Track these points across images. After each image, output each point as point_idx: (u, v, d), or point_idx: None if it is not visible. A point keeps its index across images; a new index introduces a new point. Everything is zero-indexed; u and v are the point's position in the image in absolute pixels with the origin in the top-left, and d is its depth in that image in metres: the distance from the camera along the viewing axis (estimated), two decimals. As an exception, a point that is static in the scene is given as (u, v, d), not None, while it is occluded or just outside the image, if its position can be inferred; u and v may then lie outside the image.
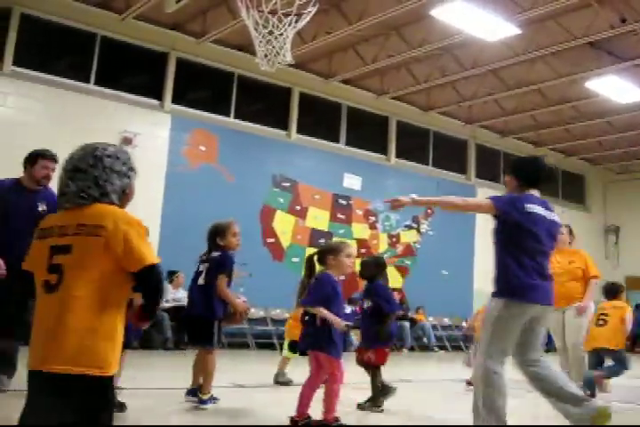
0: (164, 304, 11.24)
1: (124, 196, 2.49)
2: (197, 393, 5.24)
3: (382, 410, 5.59)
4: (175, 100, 13.49)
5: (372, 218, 16.01)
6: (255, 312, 12.64)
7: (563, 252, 7.29)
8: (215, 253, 5.41)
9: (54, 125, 11.56)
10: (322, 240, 14.45)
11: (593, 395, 6.55)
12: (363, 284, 6.19)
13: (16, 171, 5.63)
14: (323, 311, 4.44)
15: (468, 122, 18.01)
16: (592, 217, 21.61)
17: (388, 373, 6.02)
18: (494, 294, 4.28)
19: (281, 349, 8.00)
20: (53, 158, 5.50)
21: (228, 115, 14.32)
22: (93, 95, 12.37)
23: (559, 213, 4.49)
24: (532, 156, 5.02)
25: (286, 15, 8.16)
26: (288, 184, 14.75)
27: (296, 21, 8.25)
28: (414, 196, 4.26)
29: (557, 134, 18.94)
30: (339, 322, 4.44)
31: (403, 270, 16.43)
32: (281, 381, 6.94)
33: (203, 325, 5.28)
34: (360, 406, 5.66)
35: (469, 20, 11.52)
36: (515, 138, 19.37)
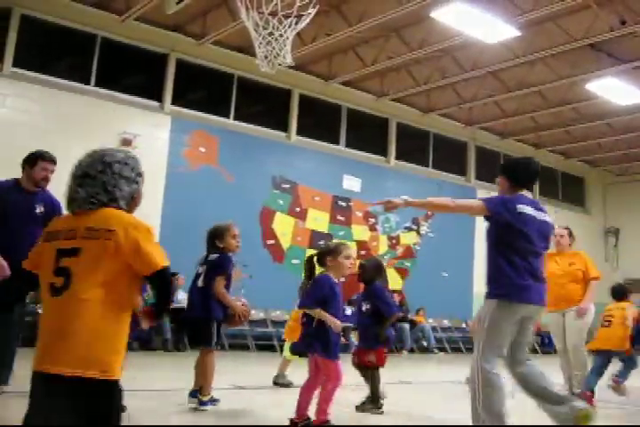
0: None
1: (132, 201, 2.51)
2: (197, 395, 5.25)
3: (382, 411, 5.59)
4: (175, 102, 13.50)
5: (372, 220, 16.01)
6: (255, 314, 12.62)
7: (563, 254, 7.29)
8: (213, 256, 5.41)
9: (54, 127, 11.57)
10: (322, 242, 14.44)
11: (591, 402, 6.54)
12: (362, 285, 6.19)
13: (16, 172, 5.62)
14: (320, 313, 4.44)
15: (468, 124, 18.02)
16: (592, 219, 21.62)
17: (387, 374, 6.01)
18: (487, 296, 4.30)
19: (281, 350, 8.01)
20: (52, 160, 5.49)
21: (227, 116, 14.32)
22: (93, 96, 12.37)
23: (552, 214, 4.49)
24: (524, 157, 5.03)
25: (286, 17, 8.16)
26: (288, 186, 14.75)
27: (296, 23, 8.24)
28: (406, 197, 4.27)
29: (557, 136, 18.96)
30: (336, 323, 4.43)
31: (402, 272, 16.42)
32: (280, 382, 6.93)
33: (201, 326, 5.30)
34: (360, 408, 5.65)
35: (469, 22, 11.53)
36: (515, 140, 19.39)
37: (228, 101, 14.35)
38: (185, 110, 13.70)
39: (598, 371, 6.86)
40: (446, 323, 16.47)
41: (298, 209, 14.85)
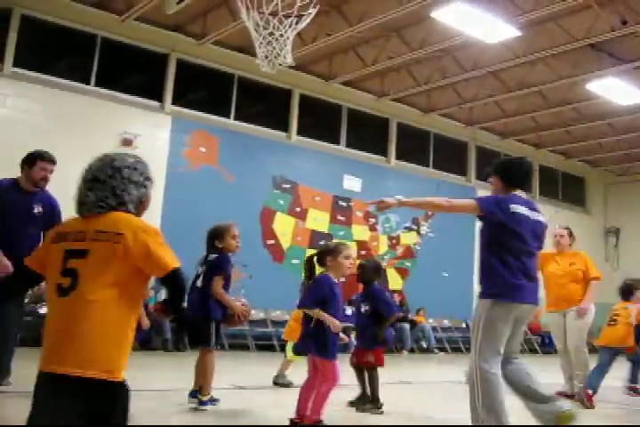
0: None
1: (141, 205, 2.55)
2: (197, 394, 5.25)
3: (382, 411, 5.59)
4: (175, 102, 13.50)
5: (372, 220, 16.01)
6: (255, 314, 12.62)
7: (563, 254, 7.29)
8: (212, 256, 5.41)
9: (54, 127, 11.57)
10: (322, 242, 14.44)
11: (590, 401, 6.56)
12: (361, 286, 6.20)
13: (16, 171, 5.61)
14: (319, 313, 4.43)
15: (469, 124, 18.01)
16: (592, 219, 21.61)
17: (387, 374, 6.01)
18: (481, 295, 4.30)
19: (281, 350, 8.00)
20: (52, 160, 5.48)
21: (228, 116, 14.32)
22: (94, 96, 12.37)
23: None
24: (517, 157, 5.05)
25: (287, 17, 8.16)
26: (288, 186, 14.75)
27: (296, 23, 8.24)
28: (400, 197, 4.29)
29: (558, 136, 18.96)
30: (335, 323, 4.43)
31: (403, 272, 16.42)
32: (280, 382, 6.93)
33: (200, 326, 5.31)
34: (360, 408, 5.65)
35: (470, 22, 11.52)
36: (515, 140, 19.38)
37: (228, 101, 14.35)
38: (185, 110, 13.70)
39: (603, 368, 6.87)
40: (446, 323, 16.47)
41: (298, 209, 14.85)
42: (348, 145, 16.24)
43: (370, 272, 6.03)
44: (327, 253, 4.65)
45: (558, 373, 7.37)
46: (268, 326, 13.30)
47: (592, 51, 13.31)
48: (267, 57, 8.54)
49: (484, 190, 17.22)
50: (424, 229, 16.91)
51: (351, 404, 5.81)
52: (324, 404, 4.47)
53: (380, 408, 5.62)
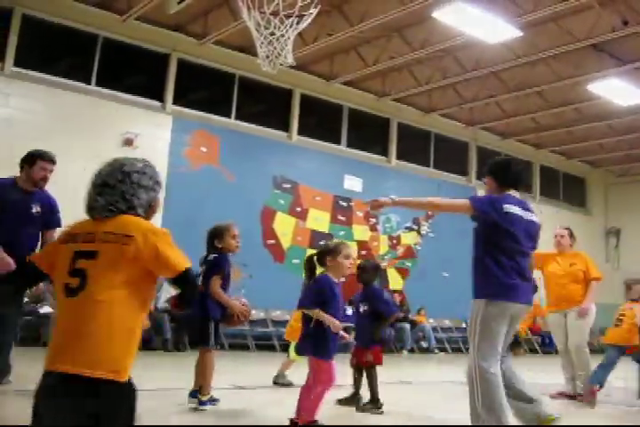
0: (165, 305, 11.26)
1: (150, 209, 2.59)
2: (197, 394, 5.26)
3: (382, 412, 5.59)
4: (176, 102, 13.50)
5: (373, 220, 16.01)
6: (255, 314, 12.61)
7: (564, 254, 7.30)
8: (212, 256, 5.41)
9: (55, 126, 11.57)
10: (322, 242, 14.43)
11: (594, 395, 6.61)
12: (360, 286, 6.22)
13: (17, 171, 5.61)
14: (319, 313, 4.42)
15: (469, 124, 18.01)
16: (593, 219, 21.60)
17: (388, 374, 6.01)
18: (475, 295, 4.31)
19: (282, 350, 8.00)
20: (52, 160, 5.47)
21: (229, 116, 14.32)
22: (95, 96, 12.37)
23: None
24: (510, 157, 5.10)
25: (288, 16, 8.16)
26: (289, 186, 14.75)
27: (297, 23, 8.24)
28: (394, 196, 4.32)
29: (559, 137, 18.95)
30: (335, 324, 4.42)
31: (403, 272, 16.42)
32: (280, 382, 6.93)
33: (199, 325, 5.32)
34: (360, 408, 5.65)
35: (471, 22, 11.53)
36: (516, 140, 19.38)
37: (229, 101, 14.36)
38: (186, 110, 13.70)
39: (610, 365, 6.96)
40: (447, 323, 16.47)
41: (299, 209, 14.85)
42: (349, 145, 16.24)
43: (370, 273, 6.06)
44: (327, 252, 4.64)
45: (558, 373, 7.38)
46: (268, 325, 13.29)
47: (593, 51, 13.31)
48: (268, 57, 8.55)
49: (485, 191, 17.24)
50: (425, 229, 16.90)
51: (339, 402, 5.81)
52: (319, 404, 4.46)
53: (380, 408, 5.62)
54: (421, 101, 16.78)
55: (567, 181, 21.65)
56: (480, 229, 4.38)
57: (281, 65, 8.80)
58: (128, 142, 12.31)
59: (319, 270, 4.71)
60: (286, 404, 4.83)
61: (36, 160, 5.40)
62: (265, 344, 12.99)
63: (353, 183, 15.71)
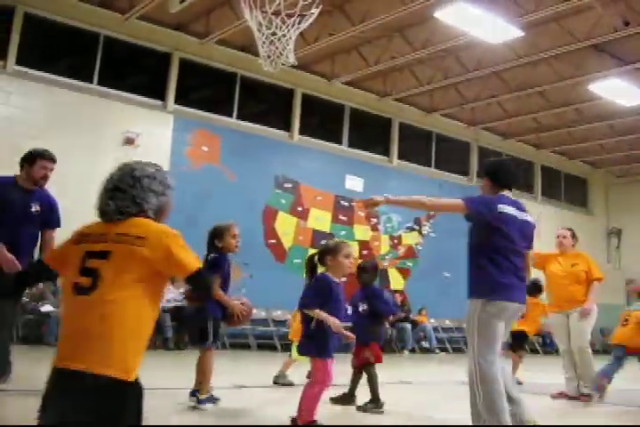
0: (166, 304, 11.26)
1: (160, 212, 2.63)
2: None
3: (383, 411, 5.59)
4: (178, 101, 13.50)
5: (374, 220, 16.01)
6: (256, 313, 12.60)
7: (565, 255, 7.30)
8: (211, 256, 5.42)
9: (57, 125, 11.58)
10: (323, 242, 14.42)
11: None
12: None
13: (18, 169, 5.60)
14: (320, 313, 4.41)
15: (471, 124, 18.01)
16: (594, 220, 21.60)
17: (388, 374, 6.01)
18: (471, 295, 4.32)
19: (283, 349, 7.99)
20: (52, 159, 5.44)
21: (230, 115, 14.33)
22: (96, 95, 12.38)
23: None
24: (505, 158, 5.13)
25: (289, 16, 8.17)
26: (290, 185, 14.75)
27: (299, 22, 8.25)
28: (387, 195, 4.35)
29: (560, 137, 18.95)
30: (336, 323, 4.41)
31: (404, 272, 16.42)
32: (281, 382, 6.93)
33: (197, 325, 5.34)
34: (361, 408, 5.65)
35: (473, 23, 11.53)
36: (517, 140, 19.38)
37: (230, 100, 14.36)
38: (188, 109, 13.70)
39: (618, 362, 7.15)
40: (448, 323, 16.46)
41: (300, 209, 14.85)
42: (351, 145, 16.24)
43: (370, 273, 6.11)
44: (327, 252, 4.64)
45: (558, 373, 7.38)
46: (269, 325, 13.30)
47: (594, 51, 13.31)
48: (269, 56, 8.56)
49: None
50: (426, 229, 16.91)
51: (333, 401, 5.80)
52: (317, 404, 4.44)
53: (380, 408, 5.61)
54: (423, 101, 16.78)
55: (568, 181, 21.64)
56: (475, 229, 4.40)
57: (282, 65, 8.81)
58: (129, 141, 12.32)
59: (320, 270, 4.70)
60: (286, 403, 4.84)
61: (36, 159, 5.37)
62: (266, 344, 12.99)
63: (354, 183, 15.71)
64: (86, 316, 2.30)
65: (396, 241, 16.45)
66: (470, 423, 4.17)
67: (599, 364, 7.20)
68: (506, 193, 4.47)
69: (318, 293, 4.49)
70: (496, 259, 4.23)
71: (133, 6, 12.10)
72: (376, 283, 6.24)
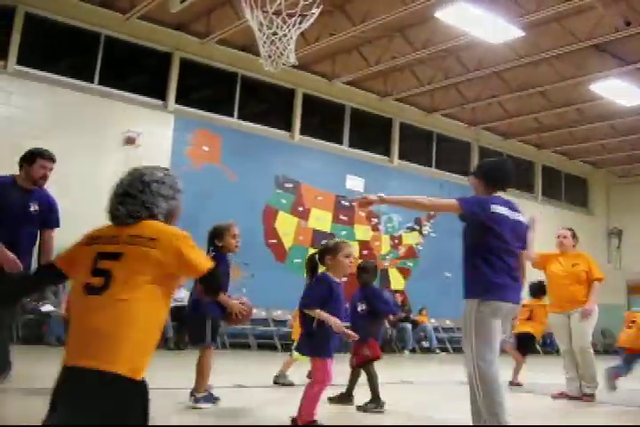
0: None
1: (170, 216, 2.67)
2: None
3: (383, 411, 5.58)
4: (179, 101, 13.50)
5: (375, 220, 16.01)
6: (257, 313, 12.60)
7: (566, 255, 7.31)
8: (211, 255, 5.41)
9: (58, 125, 11.58)
10: (324, 241, 14.41)
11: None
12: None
13: (18, 169, 5.59)
14: (320, 313, 4.40)
15: (472, 124, 18.00)
16: (595, 220, 21.60)
17: (389, 374, 6.01)
18: (467, 296, 4.33)
19: (283, 349, 7.99)
20: (52, 158, 5.41)
21: (231, 115, 14.33)
22: (97, 95, 12.38)
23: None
24: (499, 159, 5.14)
25: (290, 16, 8.17)
26: (291, 185, 14.76)
27: (300, 22, 8.25)
28: (382, 194, 4.35)
29: (561, 137, 18.94)
30: (337, 323, 4.41)
31: (405, 272, 16.42)
32: (281, 382, 6.93)
33: (195, 324, 5.35)
34: (361, 408, 5.64)
35: (473, 23, 11.53)
36: (518, 140, 19.38)
37: (231, 100, 14.36)
38: (188, 109, 13.70)
39: (629, 365, 7.26)
40: (448, 323, 16.46)
41: (300, 208, 14.85)
42: (351, 145, 16.24)
43: (370, 273, 6.12)
44: (327, 251, 4.64)
45: (559, 373, 7.38)
46: (269, 325, 13.30)
47: (596, 51, 13.30)
48: (270, 56, 8.56)
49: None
50: (426, 229, 16.91)
51: (330, 400, 5.80)
52: (317, 404, 4.44)
53: (381, 407, 5.61)
54: (424, 101, 16.78)
55: (569, 181, 21.64)
56: (468, 229, 4.42)
57: (283, 64, 8.81)
58: (130, 141, 12.33)
59: (321, 270, 4.70)
60: (287, 403, 4.83)
61: (35, 158, 5.33)
62: (266, 343, 13.00)
63: (355, 183, 15.71)
64: (97, 315, 2.32)
65: (396, 241, 16.45)
66: (470, 423, 4.17)
67: (600, 364, 7.19)
68: (499, 193, 4.48)
69: (319, 293, 4.48)
70: (490, 259, 4.24)
71: (134, 6, 12.10)
72: (375, 283, 6.25)
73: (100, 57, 12.59)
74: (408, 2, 11.28)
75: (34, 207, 5.31)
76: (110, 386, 2.25)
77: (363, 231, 15.81)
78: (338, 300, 4.52)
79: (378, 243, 16.09)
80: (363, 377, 5.87)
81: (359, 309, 5.93)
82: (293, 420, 4.46)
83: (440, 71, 14.75)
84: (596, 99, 15.34)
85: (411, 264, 16.59)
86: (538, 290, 8.17)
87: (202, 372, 5.29)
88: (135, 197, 2.57)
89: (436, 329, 15.76)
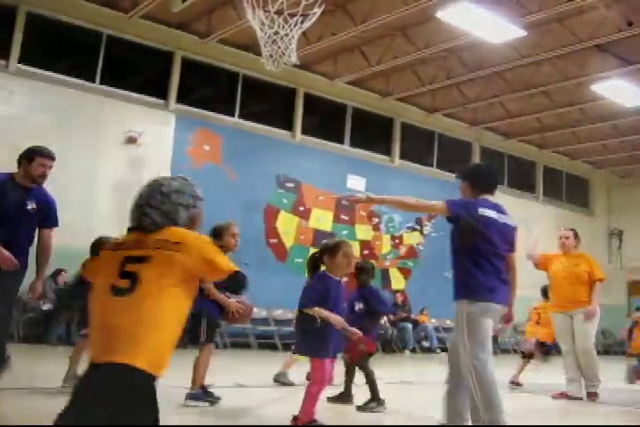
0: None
1: (192, 223, 2.75)
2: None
3: (384, 409, 5.57)
4: (180, 100, 13.51)
5: (376, 219, 16.02)
6: (257, 312, 12.61)
7: (568, 255, 7.31)
8: None
9: (59, 123, 11.58)
10: (324, 241, 14.40)
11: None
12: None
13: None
14: (320, 311, 4.40)
15: (473, 124, 18.00)
16: (595, 220, 21.58)
17: (389, 374, 6.01)
18: (456, 297, 4.38)
19: (284, 349, 7.98)
20: (51, 156, 5.37)
21: (232, 115, 14.33)
22: (98, 94, 12.39)
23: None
24: (485, 163, 5.20)
25: (292, 15, 8.17)
26: (292, 185, 14.76)
27: (302, 22, 8.25)
28: (369, 193, 4.44)
29: (562, 137, 18.93)
30: (338, 320, 4.41)
31: (405, 272, 16.42)
32: (281, 381, 6.92)
33: (192, 323, 5.36)
34: (361, 408, 5.64)
35: (475, 22, 11.52)
36: (519, 140, 19.36)
37: (232, 100, 14.36)
38: (190, 108, 13.70)
39: None
40: (449, 323, 16.41)
41: (302, 208, 14.85)
42: (353, 144, 16.24)
43: (369, 273, 6.17)
44: (326, 251, 4.65)
45: (559, 373, 7.37)
46: (270, 324, 13.30)
47: (598, 52, 13.29)
48: (272, 56, 8.55)
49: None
50: (427, 229, 16.90)
51: (329, 400, 5.80)
52: (315, 404, 4.43)
53: (382, 405, 5.59)
54: (425, 101, 16.77)
55: (570, 181, 21.62)
56: (456, 231, 4.48)
57: (285, 64, 8.81)
58: (131, 140, 12.35)
59: (323, 268, 4.71)
60: (287, 403, 4.83)
61: (34, 156, 5.29)
62: (267, 343, 13.00)
63: (356, 183, 15.70)
64: (123, 315, 2.40)
65: (397, 241, 16.45)
66: (470, 423, 4.17)
67: (601, 364, 7.19)
68: (487, 197, 4.49)
69: (317, 291, 4.49)
70: (479, 261, 4.30)
71: (136, 5, 12.11)
72: (376, 283, 6.28)
73: (102, 56, 12.60)
74: (410, 1, 11.27)
75: (31, 205, 5.27)
76: (130, 379, 2.33)
77: (364, 231, 15.81)
78: (336, 299, 4.52)
79: (379, 243, 16.09)
80: (360, 377, 5.88)
81: (357, 308, 5.94)
82: (294, 418, 4.45)
83: (442, 71, 14.74)
84: (597, 99, 15.33)
85: (411, 264, 16.59)
86: (546, 294, 8.17)
87: (196, 369, 5.31)
88: (156, 208, 2.65)
89: (436, 329, 15.76)
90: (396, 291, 15.73)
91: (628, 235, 21.46)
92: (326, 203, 15.16)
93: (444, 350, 15.37)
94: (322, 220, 15.09)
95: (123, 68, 13.26)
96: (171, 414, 5.07)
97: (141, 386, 2.37)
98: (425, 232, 16.89)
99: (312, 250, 13.30)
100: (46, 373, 6.35)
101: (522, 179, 19.89)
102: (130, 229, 2.68)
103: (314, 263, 4.75)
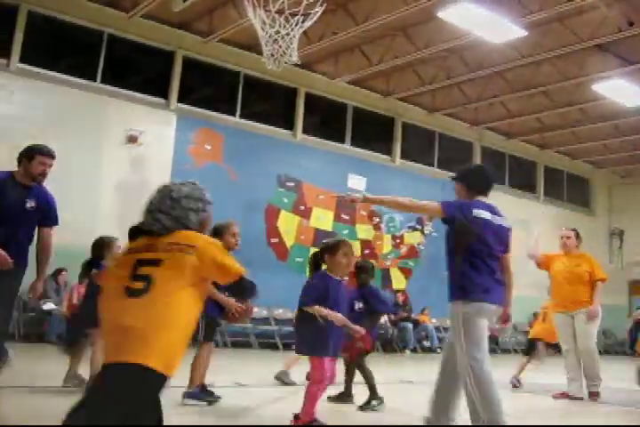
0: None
1: (201, 226, 2.82)
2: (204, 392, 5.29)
3: (384, 406, 5.57)
4: (181, 99, 13.51)
5: (377, 219, 16.01)
6: (258, 312, 12.62)
7: (569, 255, 7.32)
8: None
9: (60, 123, 11.59)
10: (325, 240, 14.40)
11: None
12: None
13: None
14: (320, 309, 4.40)
15: (474, 124, 17.99)
16: (596, 220, 21.57)
17: (389, 374, 6.01)
18: (452, 298, 4.41)
19: (284, 348, 7.97)
20: (51, 155, 5.36)
21: (233, 114, 14.33)
22: (99, 93, 12.39)
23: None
24: (479, 164, 5.23)
25: (293, 15, 8.17)
26: (293, 184, 14.76)
27: (303, 21, 8.25)
28: (366, 193, 4.49)
29: (563, 137, 18.93)
30: (338, 317, 4.41)
31: (406, 272, 16.41)
32: (282, 379, 6.91)
33: None
34: (362, 407, 5.64)
35: (476, 22, 11.52)
36: (520, 140, 19.36)
37: (234, 99, 14.36)
38: (191, 108, 13.70)
39: None
40: (449, 323, 16.43)
41: (302, 207, 14.85)
42: (353, 144, 16.24)
43: (369, 273, 6.18)
44: (325, 250, 4.66)
45: (559, 373, 7.37)
46: (270, 323, 13.30)
47: (598, 51, 13.29)
48: (273, 55, 8.56)
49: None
50: (428, 228, 16.89)
51: (329, 399, 5.80)
52: (315, 404, 4.43)
53: (381, 402, 5.59)
54: (426, 101, 16.77)
55: (571, 181, 21.61)
56: (451, 232, 4.48)
57: (286, 63, 8.81)
58: (132, 139, 12.35)
59: (324, 268, 4.71)
60: (287, 402, 4.83)
61: (34, 155, 5.26)
62: (267, 342, 13.00)
63: (357, 182, 15.69)
64: (137, 316, 2.44)
65: (398, 240, 16.45)
66: (470, 423, 4.17)
67: (602, 364, 7.19)
68: (481, 198, 4.49)
69: (316, 290, 4.49)
70: (474, 262, 4.31)
71: (137, 5, 12.11)
72: (376, 282, 6.28)
73: (103, 55, 12.60)
74: (411, 1, 11.27)
75: (30, 204, 5.24)
76: (144, 379, 2.36)
77: (364, 230, 15.81)
78: (336, 297, 4.52)
79: (379, 242, 16.08)
80: (359, 375, 5.88)
81: (356, 307, 5.95)
82: (296, 416, 4.45)
83: (442, 71, 14.74)
84: (598, 99, 15.32)
85: (412, 264, 16.59)
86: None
87: (194, 368, 5.31)
88: (167, 214, 2.71)
89: (437, 329, 15.75)
90: (397, 291, 15.73)
91: (628, 235, 21.45)
92: (327, 202, 15.16)
93: (444, 349, 15.38)
94: (322, 219, 15.09)
95: (124, 67, 13.26)
96: (171, 414, 5.08)
97: (155, 386, 2.40)
98: (426, 232, 16.88)
99: (312, 249, 13.31)
100: (47, 371, 6.35)
101: (523, 179, 19.89)
102: (138, 233, 2.74)
103: (316, 262, 4.75)
